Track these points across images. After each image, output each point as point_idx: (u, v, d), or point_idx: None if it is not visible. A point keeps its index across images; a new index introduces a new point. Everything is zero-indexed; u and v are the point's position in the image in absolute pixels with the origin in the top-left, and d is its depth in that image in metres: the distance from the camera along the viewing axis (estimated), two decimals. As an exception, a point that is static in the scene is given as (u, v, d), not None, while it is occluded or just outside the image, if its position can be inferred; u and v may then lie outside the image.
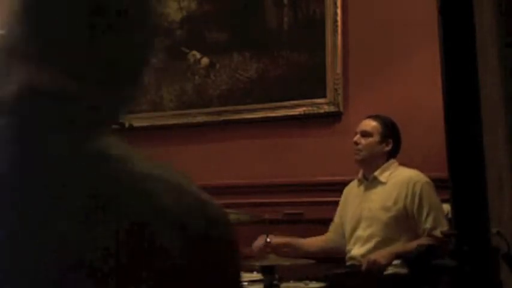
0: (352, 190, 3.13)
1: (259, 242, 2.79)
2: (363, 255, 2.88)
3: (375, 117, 3.09)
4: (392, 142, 3.05)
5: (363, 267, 2.78)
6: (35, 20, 0.71)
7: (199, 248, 0.66)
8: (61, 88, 0.69)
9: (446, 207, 2.70)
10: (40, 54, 0.71)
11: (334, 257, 3.11)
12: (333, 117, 3.61)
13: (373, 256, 2.80)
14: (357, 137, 3.05)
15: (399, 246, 2.83)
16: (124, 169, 0.67)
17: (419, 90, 3.34)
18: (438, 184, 2.82)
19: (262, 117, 3.73)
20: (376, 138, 3.03)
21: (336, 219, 3.18)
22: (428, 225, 2.82)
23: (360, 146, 3.03)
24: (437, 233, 2.76)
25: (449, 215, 2.04)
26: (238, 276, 0.74)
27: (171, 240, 0.65)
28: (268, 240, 2.70)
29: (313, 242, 3.17)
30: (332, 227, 3.19)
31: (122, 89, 0.75)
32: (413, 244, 2.77)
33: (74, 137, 0.68)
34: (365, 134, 3.04)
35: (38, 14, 0.71)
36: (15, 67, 0.71)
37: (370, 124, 3.06)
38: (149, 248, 0.64)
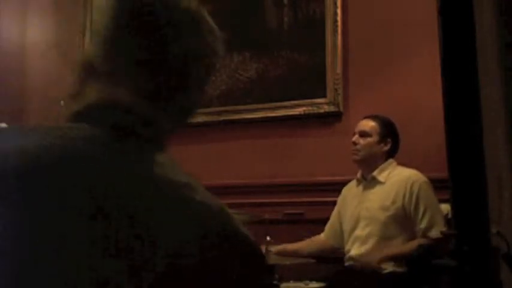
0: (351, 190, 3.13)
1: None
2: (362, 255, 2.88)
3: (373, 117, 3.08)
4: (391, 142, 3.05)
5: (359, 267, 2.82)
6: (109, 43, 0.81)
7: (222, 249, 0.76)
8: (128, 103, 0.78)
9: (446, 207, 2.70)
10: (113, 73, 0.80)
11: (334, 256, 3.11)
12: (333, 117, 3.61)
13: (367, 259, 2.82)
14: (355, 137, 3.04)
15: (394, 249, 2.83)
16: (166, 177, 0.75)
17: (419, 90, 3.34)
18: (438, 184, 2.82)
19: (262, 117, 3.73)
20: (374, 138, 3.03)
21: (333, 218, 3.18)
22: (423, 225, 2.81)
23: (358, 146, 3.02)
24: (432, 232, 2.76)
25: (449, 215, 2.04)
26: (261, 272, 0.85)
27: (201, 241, 0.73)
28: (268, 239, 2.71)
29: (309, 244, 3.17)
30: (328, 227, 3.19)
31: (182, 109, 0.86)
32: (408, 246, 2.77)
33: (130, 145, 0.77)
34: (363, 134, 3.03)
35: (112, 38, 0.81)
36: (90, 84, 0.80)
37: (369, 124, 3.06)
38: (179, 250, 0.71)
